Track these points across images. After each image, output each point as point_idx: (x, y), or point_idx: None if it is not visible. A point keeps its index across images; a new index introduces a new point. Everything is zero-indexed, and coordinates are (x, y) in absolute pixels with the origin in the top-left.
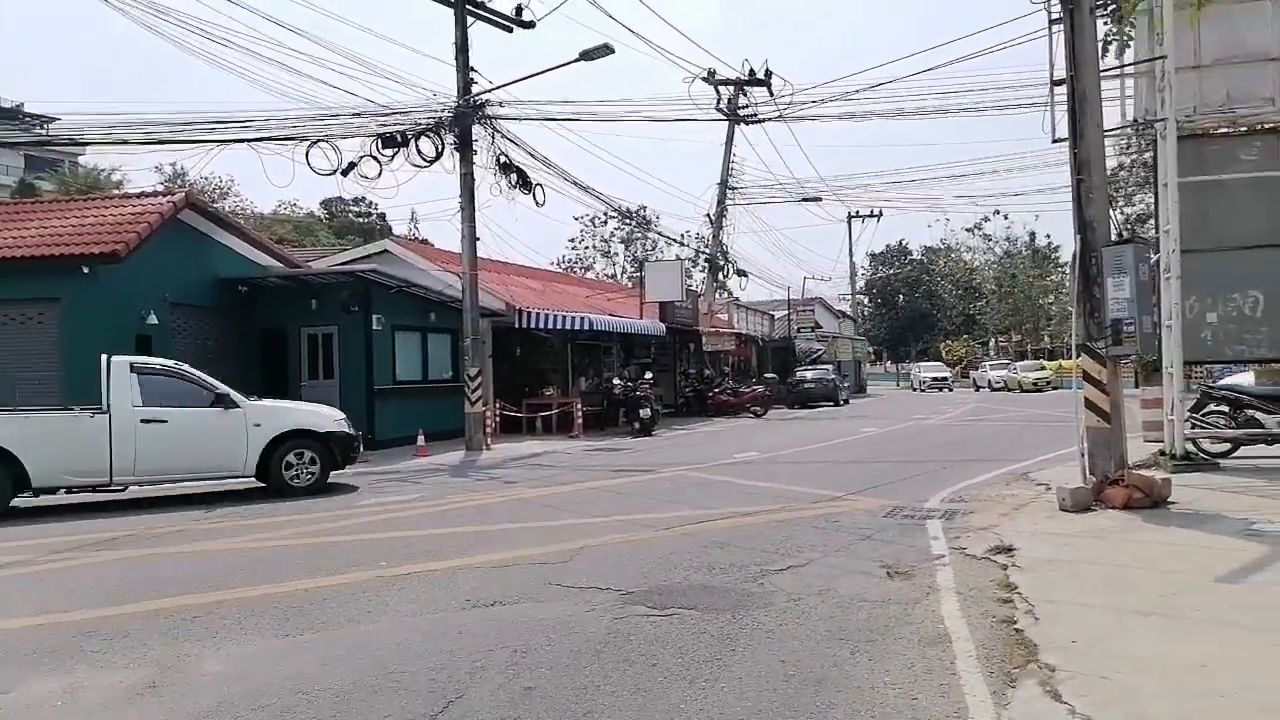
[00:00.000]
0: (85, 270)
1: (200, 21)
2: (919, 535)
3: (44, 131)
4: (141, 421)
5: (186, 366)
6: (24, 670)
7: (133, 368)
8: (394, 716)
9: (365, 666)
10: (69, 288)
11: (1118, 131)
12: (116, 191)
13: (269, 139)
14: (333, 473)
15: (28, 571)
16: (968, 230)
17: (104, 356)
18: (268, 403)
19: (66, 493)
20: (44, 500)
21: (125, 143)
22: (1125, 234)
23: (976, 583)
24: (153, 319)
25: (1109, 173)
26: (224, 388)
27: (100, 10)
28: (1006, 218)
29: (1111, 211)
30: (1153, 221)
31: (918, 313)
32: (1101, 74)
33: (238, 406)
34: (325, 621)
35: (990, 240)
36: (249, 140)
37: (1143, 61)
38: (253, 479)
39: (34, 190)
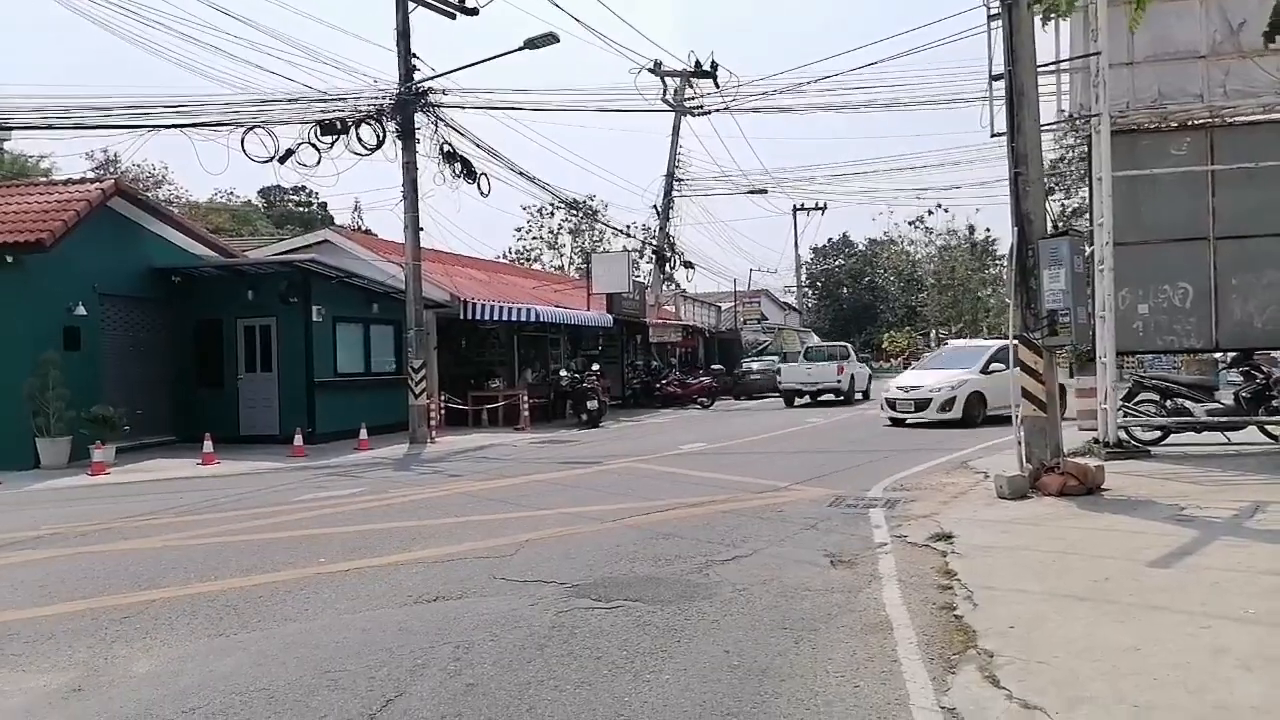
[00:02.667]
0: (9, 260)
1: (133, 4)
2: (862, 524)
3: None
4: None
5: None
6: None
7: None
8: (331, 716)
9: (302, 665)
10: None
11: (1054, 126)
12: (43, 179)
13: (202, 124)
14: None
15: None
16: (910, 223)
17: None
18: None
19: None
20: None
21: (51, 127)
22: (1061, 227)
23: (917, 570)
24: (81, 310)
25: (1050, 166)
26: None
27: None
28: (947, 211)
29: (1049, 204)
30: (1088, 214)
31: (861, 304)
32: (1038, 69)
33: None
34: (261, 620)
35: (931, 233)
36: (182, 125)
37: (1078, 58)
38: None
39: None
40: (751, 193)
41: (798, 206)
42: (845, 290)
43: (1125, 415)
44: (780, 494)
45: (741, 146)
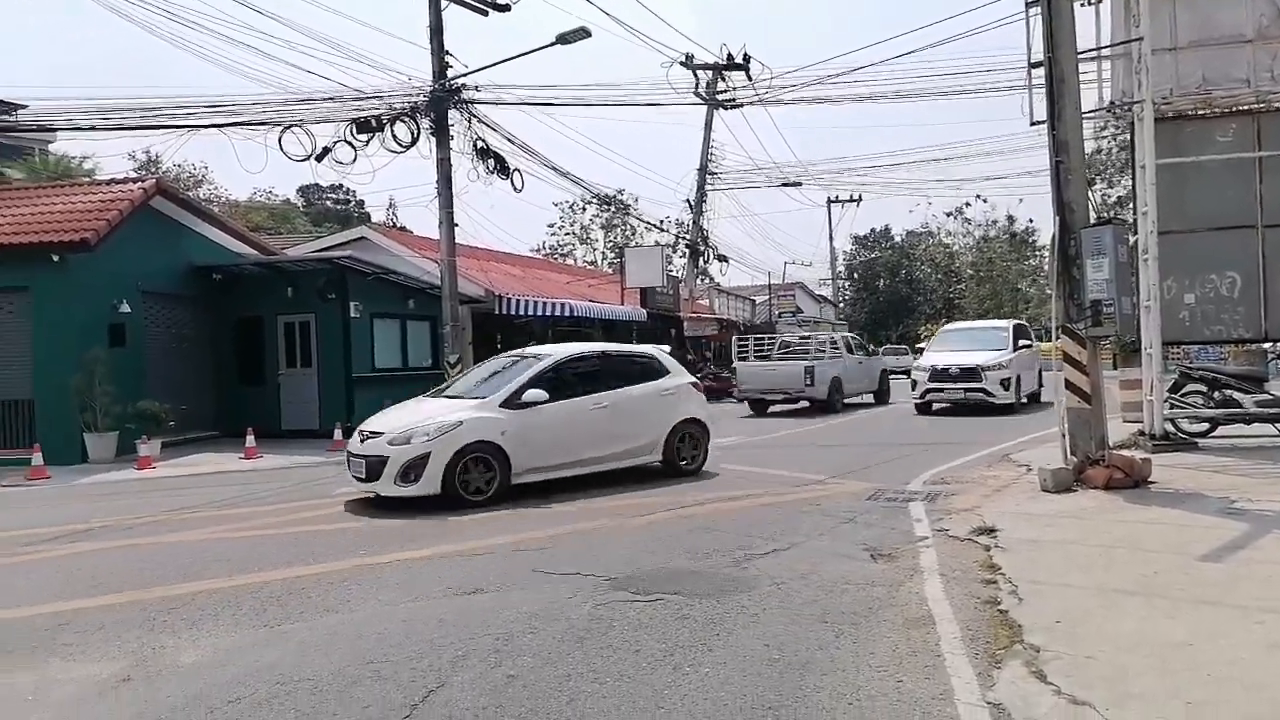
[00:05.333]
0: (55, 259)
1: (169, 4)
2: (902, 518)
3: (11, 119)
4: None
5: None
6: None
7: None
8: (374, 706)
9: (345, 656)
10: (38, 276)
11: (1096, 114)
12: (86, 179)
13: (241, 124)
14: None
15: (0, 562)
16: (948, 214)
17: None
18: None
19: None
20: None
21: (94, 129)
22: (1104, 216)
23: (960, 564)
24: (125, 308)
25: (1089, 155)
26: None
27: None
28: (986, 201)
29: (1091, 194)
30: (1132, 204)
31: (898, 296)
32: (1079, 56)
33: None
34: (304, 611)
35: (970, 224)
36: (221, 125)
37: (1119, 44)
38: None
39: (2, 178)
40: (785, 185)
41: (832, 198)
42: (882, 282)
43: (1172, 407)
44: (818, 488)
45: (775, 139)
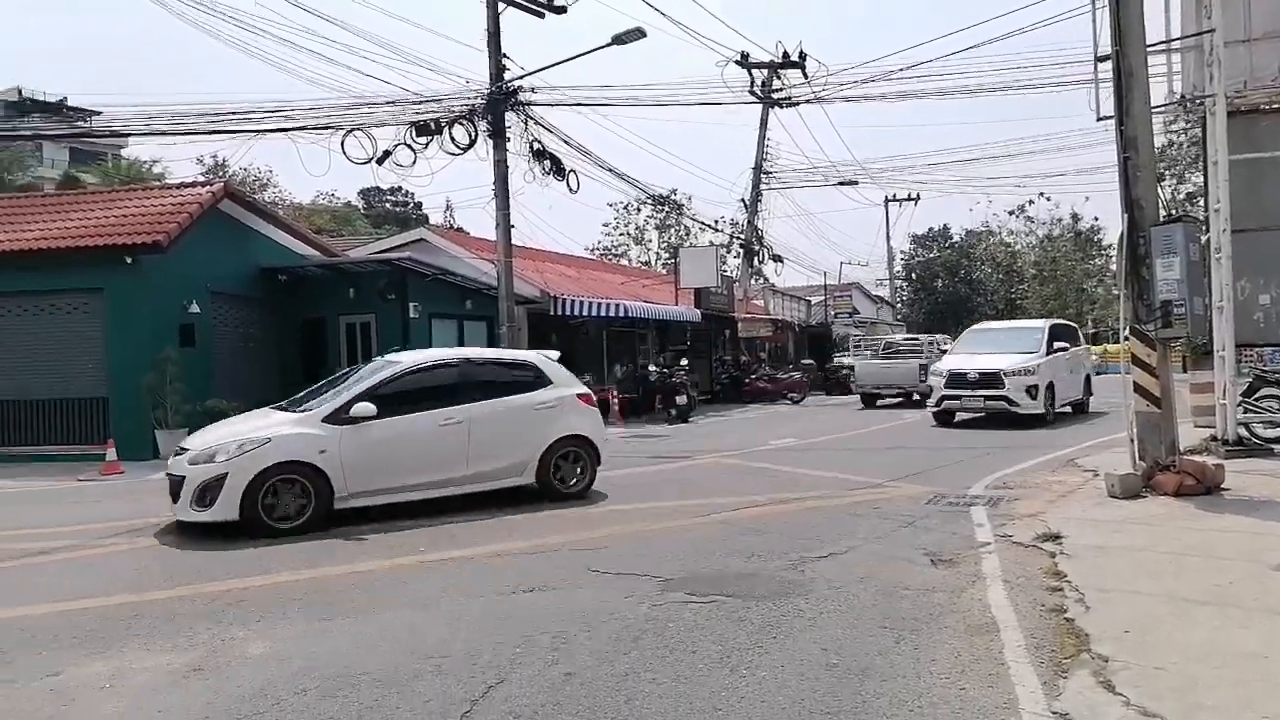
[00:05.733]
0: (128, 260)
1: (234, 10)
2: (963, 522)
3: (86, 124)
4: None
5: None
6: (72, 653)
7: None
8: (434, 700)
9: (405, 650)
10: (112, 278)
11: (1165, 108)
12: (157, 183)
13: (305, 128)
14: None
15: (74, 557)
16: (1010, 212)
17: None
18: None
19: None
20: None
21: (165, 134)
22: (1174, 213)
23: (1024, 570)
24: (195, 308)
25: (1158, 150)
26: None
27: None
28: (1050, 199)
29: (1160, 189)
30: (1203, 200)
31: (957, 297)
32: (1148, 49)
33: None
34: (365, 606)
35: (1033, 223)
36: (286, 130)
37: (1190, 36)
38: None
39: (78, 182)
40: (841, 184)
41: (889, 197)
42: (940, 283)
43: (1245, 411)
44: (876, 490)
45: (831, 137)
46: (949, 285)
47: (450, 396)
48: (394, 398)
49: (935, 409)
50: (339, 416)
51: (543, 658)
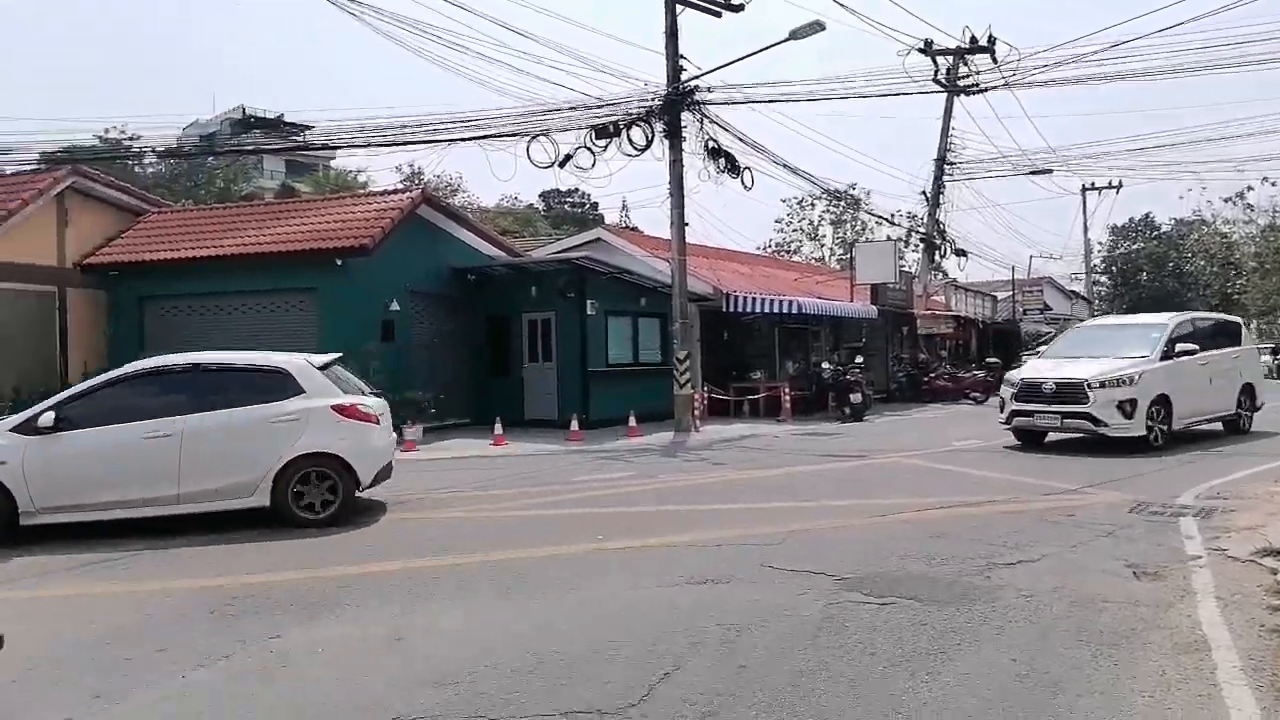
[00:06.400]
0: (338, 263)
1: (441, 30)
2: (1170, 534)
3: (301, 138)
4: None
5: None
6: (291, 618)
7: None
8: (615, 682)
9: (586, 633)
10: (324, 278)
11: None
12: (362, 190)
13: (494, 136)
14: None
15: (287, 533)
16: (1226, 200)
17: None
18: None
19: None
20: None
21: (369, 145)
22: None
23: (1240, 587)
24: (395, 306)
25: None
26: None
27: (335, 17)
28: (1275, 184)
29: None
30: None
31: (1164, 292)
32: None
33: None
34: (549, 587)
35: (1253, 210)
36: (477, 138)
37: None
38: None
39: (294, 192)
40: (1034, 173)
41: (1087, 186)
42: (1144, 275)
43: None
44: (1069, 497)
45: (1021, 124)
46: (1155, 279)
47: (168, 407)
48: (102, 408)
49: (1007, 426)
50: (28, 426)
51: (717, 649)
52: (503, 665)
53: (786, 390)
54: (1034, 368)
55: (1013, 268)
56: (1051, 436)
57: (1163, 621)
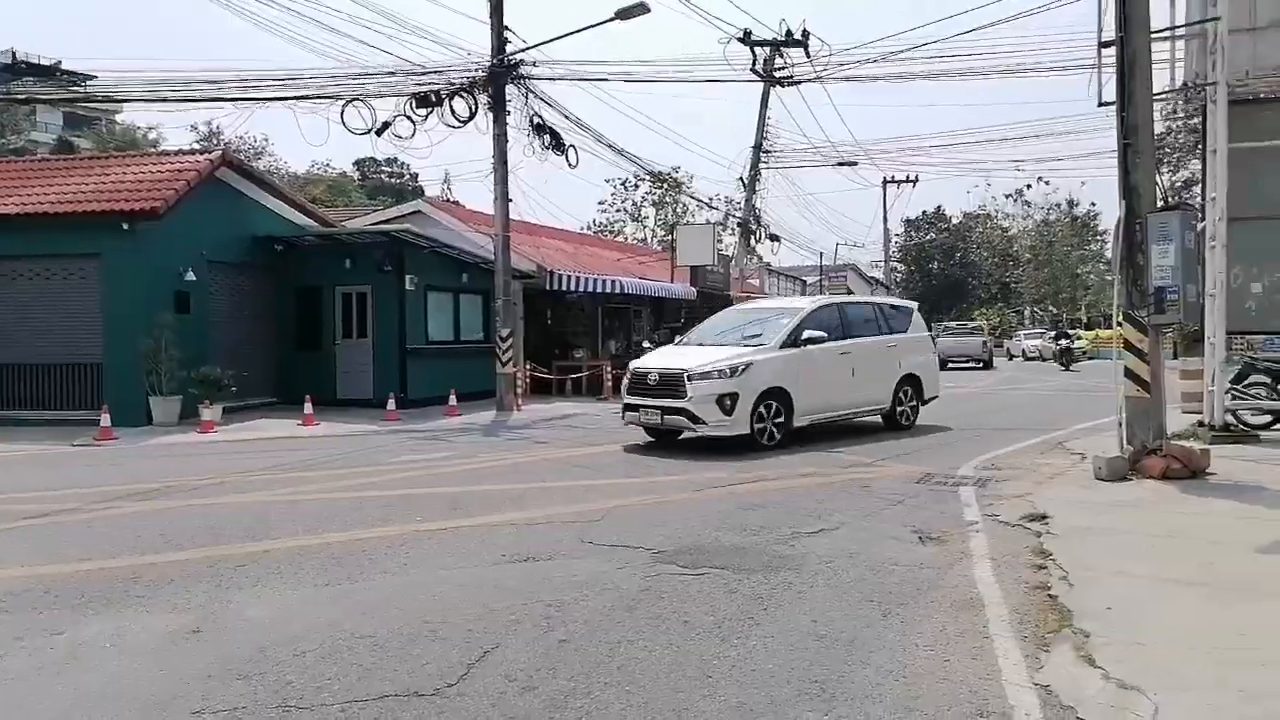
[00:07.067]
0: (125, 227)
1: None
2: (951, 502)
3: (82, 89)
4: None
5: None
6: (74, 613)
7: None
8: (432, 664)
9: (403, 616)
10: (109, 244)
11: (1167, 95)
12: (153, 149)
13: (306, 97)
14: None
15: (75, 520)
16: (1008, 196)
17: None
18: None
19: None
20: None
21: (165, 100)
22: (1171, 201)
23: (1010, 549)
24: (191, 275)
25: (1155, 138)
26: None
27: None
28: (1048, 184)
29: (1158, 177)
30: (1198, 188)
31: (952, 280)
32: (1152, 35)
33: None
34: (363, 572)
35: (1029, 207)
36: (287, 99)
37: (1195, 23)
38: None
39: (72, 148)
40: (841, 165)
41: (888, 179)
42: (936, 265)
43: (1234, 398)
44: (867, 469)
45: (831, 117)
46: (944, 268)
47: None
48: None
49: (625, 422)
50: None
51: (537, 624)
52: (312, 653)
53: (609, 369)
54: (657, 356)
55: (820, 254)
56: (686, 435)
57: (944, 582)
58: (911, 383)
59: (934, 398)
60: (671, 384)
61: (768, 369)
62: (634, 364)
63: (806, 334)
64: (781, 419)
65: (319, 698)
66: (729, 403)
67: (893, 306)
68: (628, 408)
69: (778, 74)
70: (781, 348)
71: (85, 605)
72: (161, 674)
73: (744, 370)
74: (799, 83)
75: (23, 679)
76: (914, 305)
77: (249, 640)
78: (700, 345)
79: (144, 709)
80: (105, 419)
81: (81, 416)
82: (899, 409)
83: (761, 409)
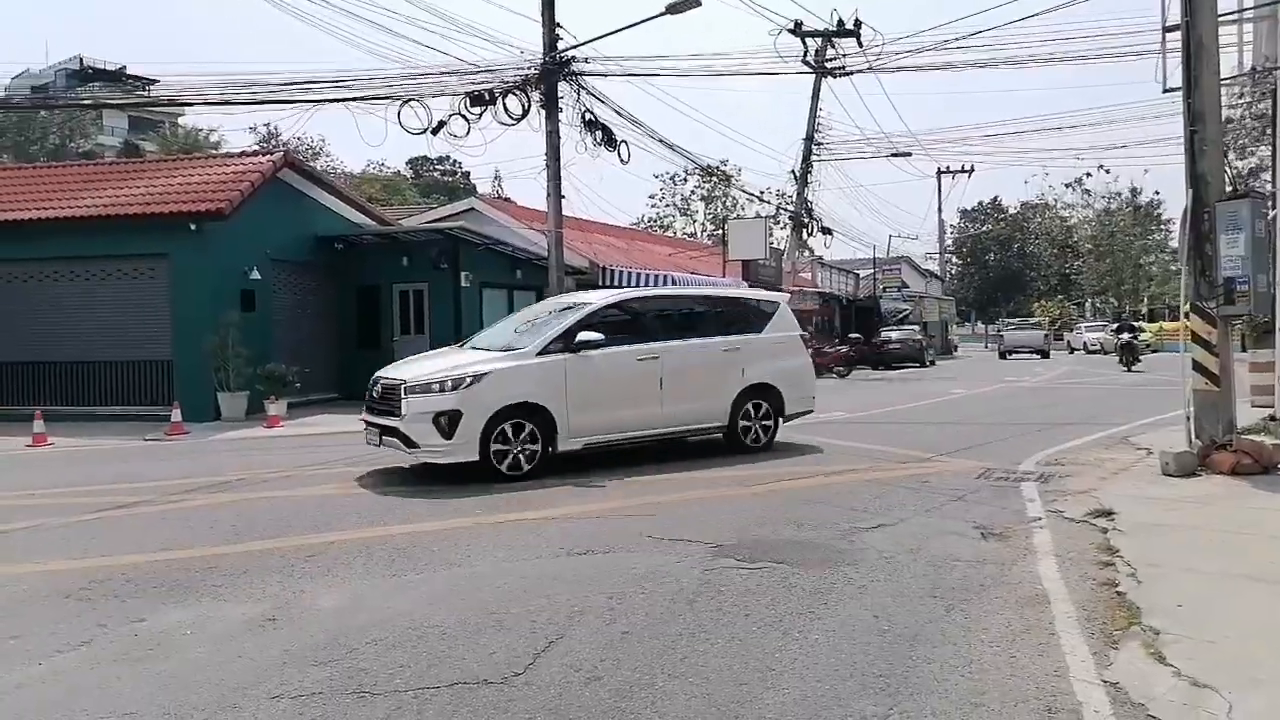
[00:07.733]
0: (192, 227)
1: None
2: (1013, 497)
3: (146, 93)
4: None
5: None
6: (155, 602)
7: None
8: (499, 653)
9: (468, 606)
10: (177, 244)
11: (1234, 80)
12: (217, 152)
13: (364, 98)
14: None
15: (151, 511)
16: (1067, 185)
17: None
18: None
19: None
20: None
21: (229, 103)
22: (1239, 188)
23: (1075, 546)
24: (255, 274)
25: (1223, 123)
26: None
27: None
28: (1109, 172)
29: (1225, 165)
30: (1267, 175)
31: (1009, 272)
32: (1219, 19)
33: None
34: (429, 563)
35: (1090, 196)
36: (346, 100)
37: (1264, 5)
38: None
39: (138, 150)
40: (894, 156)
41: (942, 169)
42: (992, 256)
43: None
44: (925, 465)
45: (885, 108)
46: (1001, 260)
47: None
48: (568, 336)
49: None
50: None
51: (599, 616)
52: (383, 641)
53: None
54: (405, 361)
55: (874, 247)
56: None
57: (1007, 578)
58: (764, 394)
59: (804, 412)
60: (390, 398)
61: (512, 381)
62: (379, 372)
63: (582, 336)
64: (543, 444)
65: (391, 684)
66: (445, 423)
67: (751, 300)
68: (367, 425)
69: (829, 64)
70: (541, 354)
71: (165, 594)
72: (240, 660)
73: (471, 383)
74: (850, 73)
75: (107, 664)
76: (783, 299)
77: (322, 628)
78: (474, 348)
79: (224, 694)
80: (176, 414)
81: (152, 412)
82: (744, 425)
83: (507, 429)
